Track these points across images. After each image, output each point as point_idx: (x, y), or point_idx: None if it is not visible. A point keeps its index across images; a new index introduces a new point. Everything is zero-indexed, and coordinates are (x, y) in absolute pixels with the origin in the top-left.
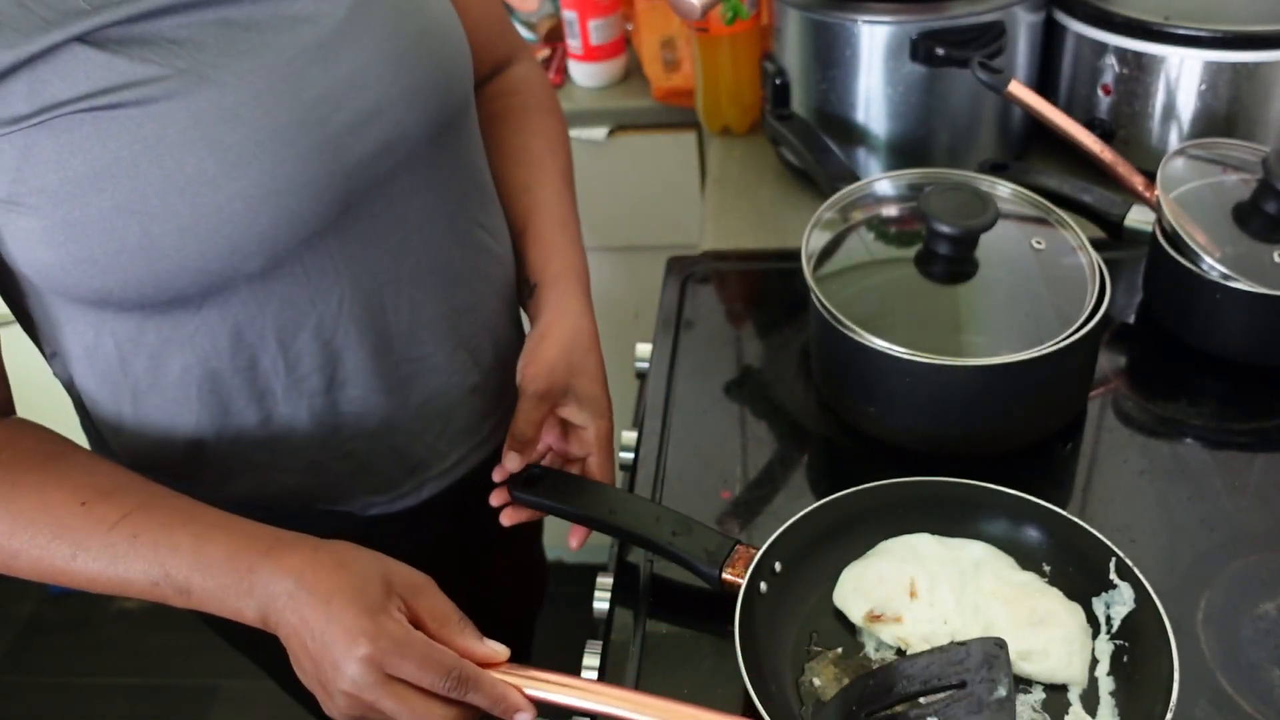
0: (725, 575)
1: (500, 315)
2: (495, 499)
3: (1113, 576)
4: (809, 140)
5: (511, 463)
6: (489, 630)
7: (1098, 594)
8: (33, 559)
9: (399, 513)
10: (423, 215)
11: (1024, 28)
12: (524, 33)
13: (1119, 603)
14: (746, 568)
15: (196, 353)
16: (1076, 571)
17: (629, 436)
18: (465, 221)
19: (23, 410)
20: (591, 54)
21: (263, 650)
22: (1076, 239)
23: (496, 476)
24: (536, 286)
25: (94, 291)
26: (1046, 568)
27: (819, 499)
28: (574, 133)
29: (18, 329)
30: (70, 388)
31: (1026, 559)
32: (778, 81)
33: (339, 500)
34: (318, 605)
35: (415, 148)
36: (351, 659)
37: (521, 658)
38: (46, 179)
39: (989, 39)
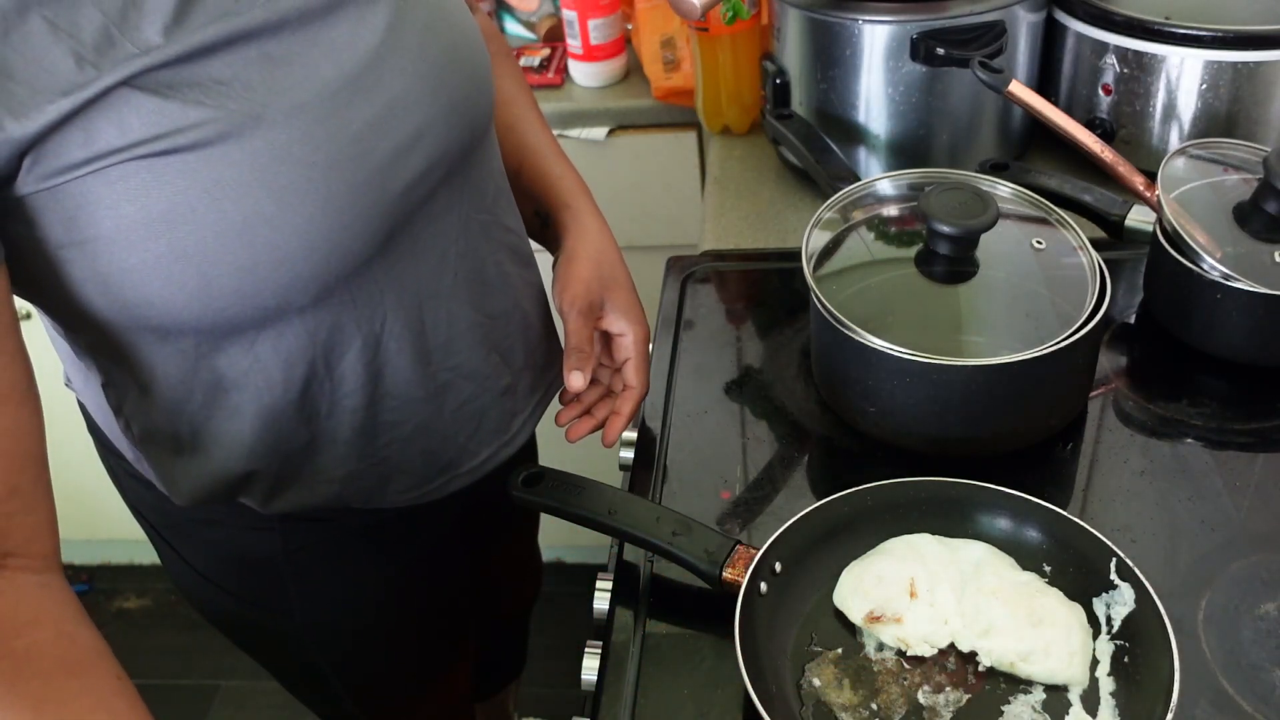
0: (725, 575)
1: (531, 315)
2: (564, 417)
3: (1113, 577)
4: (809, 140)
5: (576, 381)
6: (487, 622)
7: (1098, 594)
8: None
9: (423, 505)
10: (459, 228)
11: (1024, 27)
12: (524, 33)
13: (1119, 603)
14: (746, 568)
15: (251, 385)
16: (1077, 571)
17: (629, 436)
18: (496, 228)
19: None
20: (591, 54)
21: (263, 651)
22: (1077, 239)
23: (565, 399)
24: (550, 215)
25: (149, 331)
26: (1047, 568)
27: (819, 499)
28: (574, 133)
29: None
30: (91, 416)
31: (1027, 559)
32: (778, 81)
33: (370, 500)
34: None
35: (453, 164)
36: None
37: (518, 651)
38: (100, 226)
39: (989, 38)
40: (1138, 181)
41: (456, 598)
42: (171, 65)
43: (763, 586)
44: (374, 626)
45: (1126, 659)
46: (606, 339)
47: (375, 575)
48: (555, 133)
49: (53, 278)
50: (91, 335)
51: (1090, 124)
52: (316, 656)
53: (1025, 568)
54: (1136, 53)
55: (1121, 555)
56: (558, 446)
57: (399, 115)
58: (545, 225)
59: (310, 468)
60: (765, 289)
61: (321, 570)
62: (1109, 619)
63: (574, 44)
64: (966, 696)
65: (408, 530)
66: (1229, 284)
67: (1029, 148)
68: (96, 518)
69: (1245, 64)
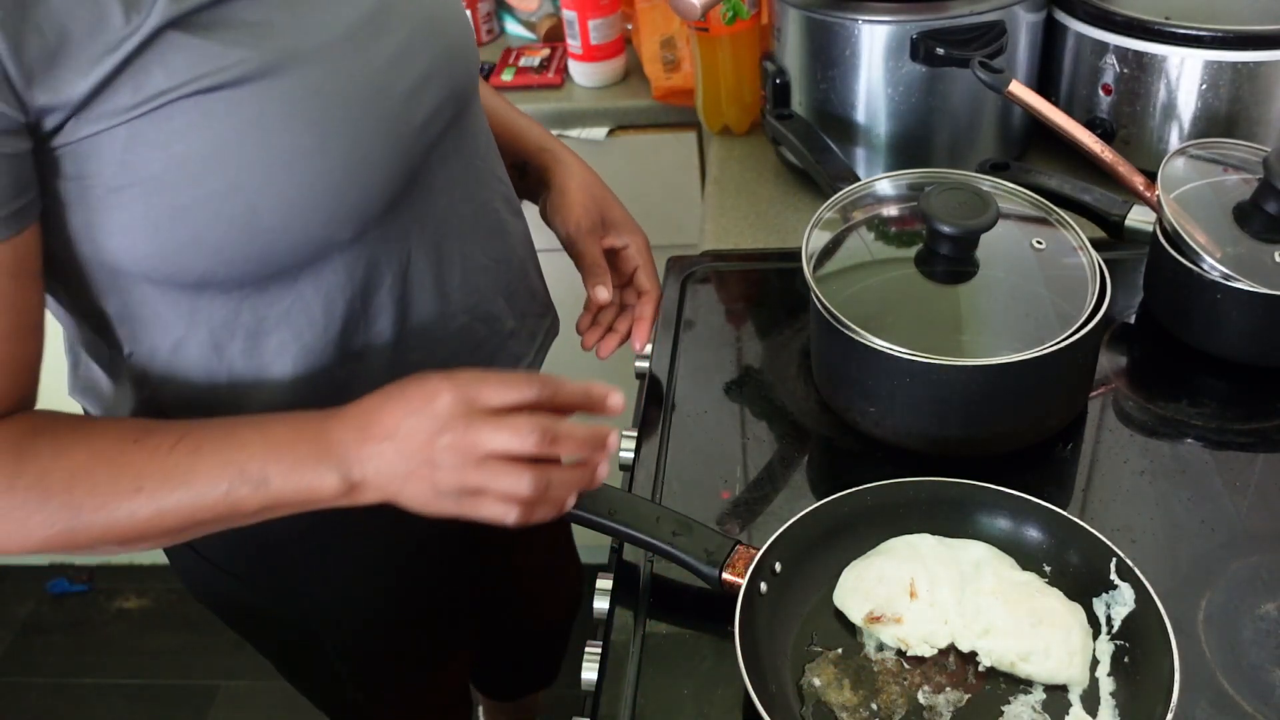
0: (725, 575)
1: (526, 263)
2: (590, 339)
3: (1113, 577)
4: (809, 140)
5: (601, 294)
6: (522, 636)
7: (1098, 594)
8: (95, 508)
9: None
10: (465, 169)
11: (1024, 27)
12: (524, 33)
13: (1119, 603)
14: (746, 568)
15: (292, 327)
16: (1077, 572)
17: (629, 436)
18: (491, 178)
19: None
20: (591, 54)
21: (269, 639)
22: (1077, 239)
23: (589, 313)
24: (527, 162)
25: (197, 276)
26: (1047, 568)
27: (819, 499)
28: (574, 133)
29: None
30: (141, 385)
31: (1027, 559)
32: (778, 81)
33: None
34: (391, 407)
35: (457, 107)
36: (438, 401)
37: (553, 659)
38: (152, 166)
39: (989, 38)
40: (1138, 181)
41: (461, 585)
42: (207, 8)
43: (763, 586)
44: (381, 609)
45: (1126, 659)
46: (612, 256)
47: (384, 556)
48: (555, 133)
49: (101, 229)
50: (125, 297)
51: (1090, 124)
52: (323, 641)
53: (1025, 568)
54: (1136, 53)
55: (1121, 555)
56: None
57: (410, 56)
58: (523, 175)
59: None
60: (765, 289)
61: (333, 551)
62: (1109, 619)
63: (574, 44)
64: (966, 696)
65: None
66: (1229, 284)
67: (1029, 148)
68: None
69: (1245, 64)
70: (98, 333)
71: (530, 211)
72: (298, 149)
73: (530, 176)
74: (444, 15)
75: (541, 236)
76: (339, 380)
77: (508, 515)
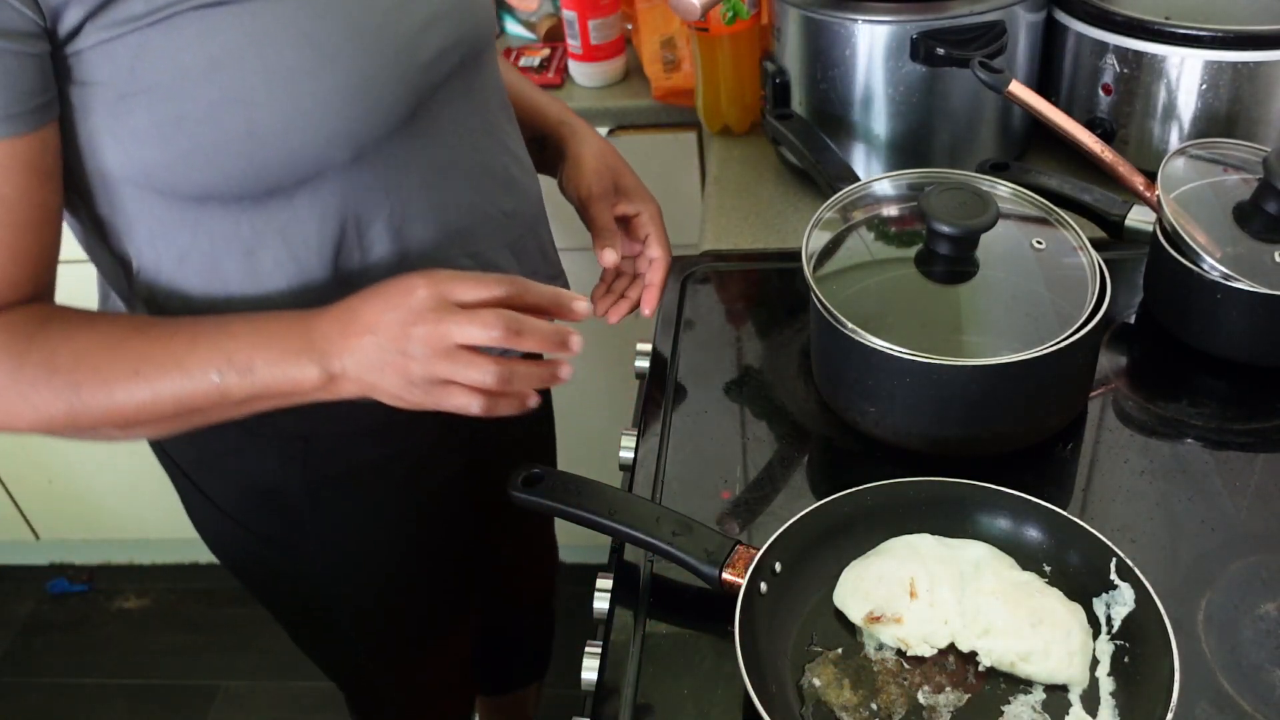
0: (725, 575)
1: (538, 222)
2: (601, 306)
3: (1113, 577)
4: (809, 140)
5: (609, 257)
6: (502, 604)
7: (1098, 594)
8: (96, 388)
9: (437, 444)
10: (474, 119)
11: (1024, 27)
12: (524, 33)
13: (1119, 603)
14: (746, 568)
15: (288, 245)
16: (1077, 571)
17: (629, 436)
18: (502, 133)
19: None
20: (591, 54)
21: (278, 595)
22: (1077, 239)
23: (604, 283)
24: (545, 135)
25: (198, 186)
26: (1047, 568)
27: (819, 499)
28: None
29: None
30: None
31: (1027, 559)
32: (778, 81)
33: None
34: (372, 303)
35: (465, 55)
36: (414, 296)
37: (539, 648)
38: (159, 75)
39: (989, 38)
40: (1138, 181)
41: (463, 548)
42: None
43: (763, 586)
44: (386, 566)
45: (1126, 659)
46: (626, 225)
47: (390, 512)
48: None
49: (110, 136)
50: (132, 206)
51: (1090, 124)
52: (330, 598)
53: (1025, 568)
54: (1136, 53)
55: (1121, 555)
56: (558, 446)
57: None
58: (543, 148)
59: None
60: (765, 289)
61: (339, 505)
62: (1109, 619)
63: (574, 44)
64: (966, 696)
65: (421, 468)
66: (1229, 284)
67: (1029, 148)
68: (97, 518)
69: (1245, 64)
70: (106, 244)
71: (549, 187)
72: (297, 67)
73: (549, 150)
74: None
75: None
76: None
77: (471, 405)
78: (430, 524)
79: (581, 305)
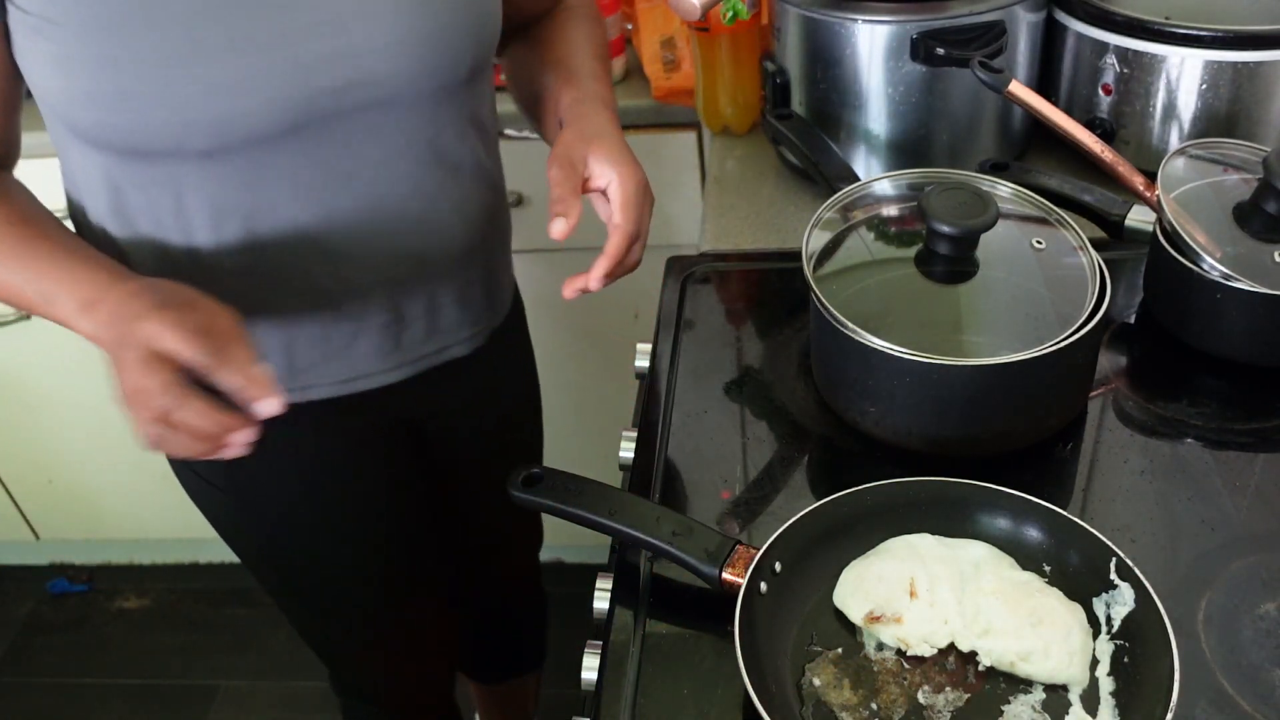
0: (725, 575)
1: (449, 275)
2: (569, 288)
3: (1113, 576)
4: (809, 140)
5: (557, 228)
6: (490, 601)
7: (1098, 594)
8: None
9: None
10: (391, 155)
11: (1024, 27)
12: None
13: (1119, 603)
14: (746, 568)
15: (150, 206)
16: (1077, 571)
17: (629, 436)
18: (421, 180)
19: (19, 408)
20: None
21: (241, 548)
22: (1077, 239)
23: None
24: (563, 121)
25: (82, 126)
26: (1046, 568)
27: (819, 499)
28: None
29: None
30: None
31: (1026, 559)
32: (778, 81)
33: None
34: (142, 300)
35: (391, 95)
36: (142, 323)
37: (531, 634)
38: (59, 10)
39: (989, 38)
40: (1138, 181)
41: (416, 519)
42: None
43: (763, 586)
44: (333, 521)
45: (1126, 659)
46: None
47: (331, 458)
48: None
49: (26, 58)
50: (52, 130)
51: (1090, 124)
52: (288, 552)
53: (1025, 568)
54: (1136, 53)
55: (1121, 555)
56: (558, 446)
57: (334, 27)
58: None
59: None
60: (765, 289)
61: (280, 456)
62: (1109, 619)
63: None
64: (966, 696)
65: (359, 417)
66: (1229, 284)
67: (1029, 148)
68: (97, 518)
69: (1245, 64)
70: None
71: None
72: (172, 53)
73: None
74: (425, 11)
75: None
76: (194, 281)
77: (143, 436)
78: (376, 472)
79: (265, 408)
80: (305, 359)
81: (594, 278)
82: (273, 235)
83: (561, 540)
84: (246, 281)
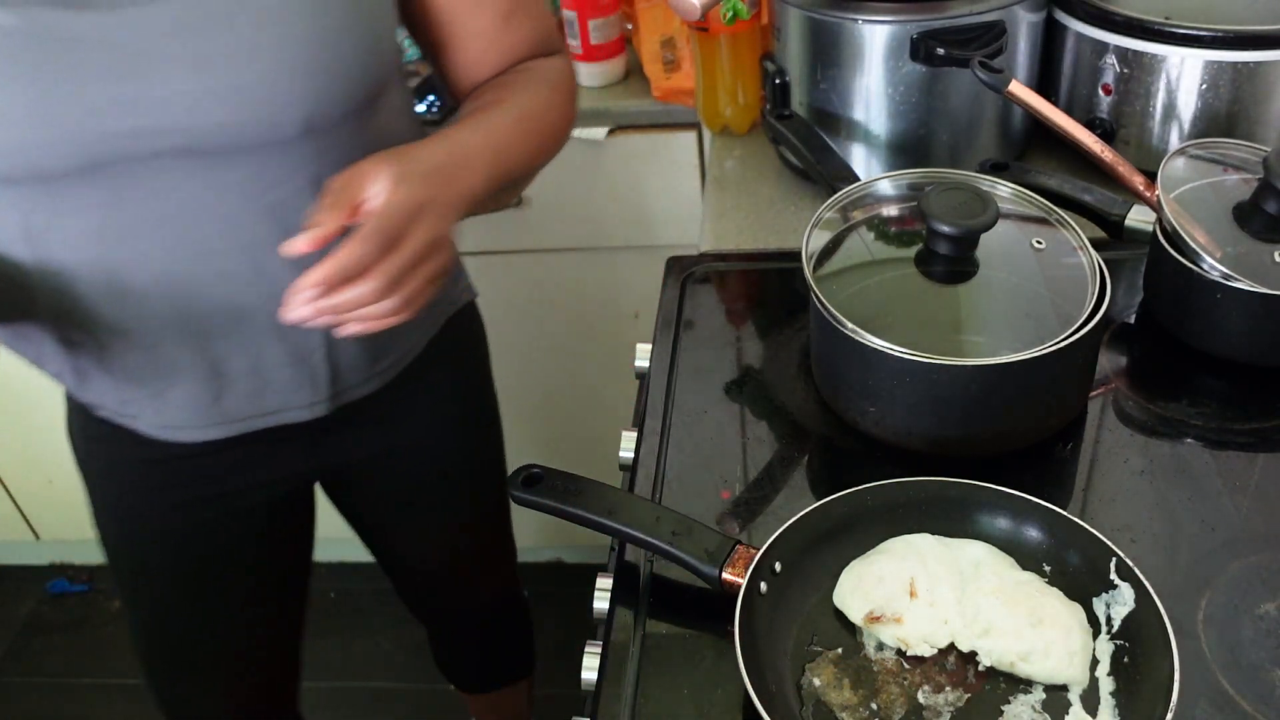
0: (725, 575)
1: (271, 337)
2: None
3: (1113, 576)
4: (809, 140)
5: (290, 245)
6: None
7: (1098, 594)
8: None
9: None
10: (211, 204)
11: (1024, 27)
12: None
13: (1119, 603)
14: (746, 568)
15: None
16: (1077, 571)
17: (629, 436)
18: (280, 232)
19: (19, 408)
20: (591, 54)
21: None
22: (1077, 239)
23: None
24: None
25: None
26: (1046, 568)
27: (819, 499)
28: (574, 133)
29: None
30: None
31: (1026, 559)
32: (778, 81)
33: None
34: None
35: (198, 145)
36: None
37: (522, 655)
38: None
39: (989, 38)
40: (1138, 181)
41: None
42: None
43: (763, 586)
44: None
45: (1126, 659)
46: None
47: (166, 494)
48: None
49: None
50: None
51: (1090, 124)
52: (112, 552)
53: (1025, 568)
54: (1136, 53)
55: (1121, 555)
56: (558, 446)
57: (135, 73)
58: None
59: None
60: (765, 289)
61: (105, 453)
62: (1109, 619)
63: (574, 44)
64: (966, 696)
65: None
66: (1229, 284)
67: (1029, 148)
68: None
69: (1245, 64)
70: None
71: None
72: None
73: None
74: (242, 73)
75: (547, 236)
76: (37, 288)
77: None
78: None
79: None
80: (128, 390)
81: (285, 306)
82: (79, 267)
83: (561, 540)
84: (62, 302)
